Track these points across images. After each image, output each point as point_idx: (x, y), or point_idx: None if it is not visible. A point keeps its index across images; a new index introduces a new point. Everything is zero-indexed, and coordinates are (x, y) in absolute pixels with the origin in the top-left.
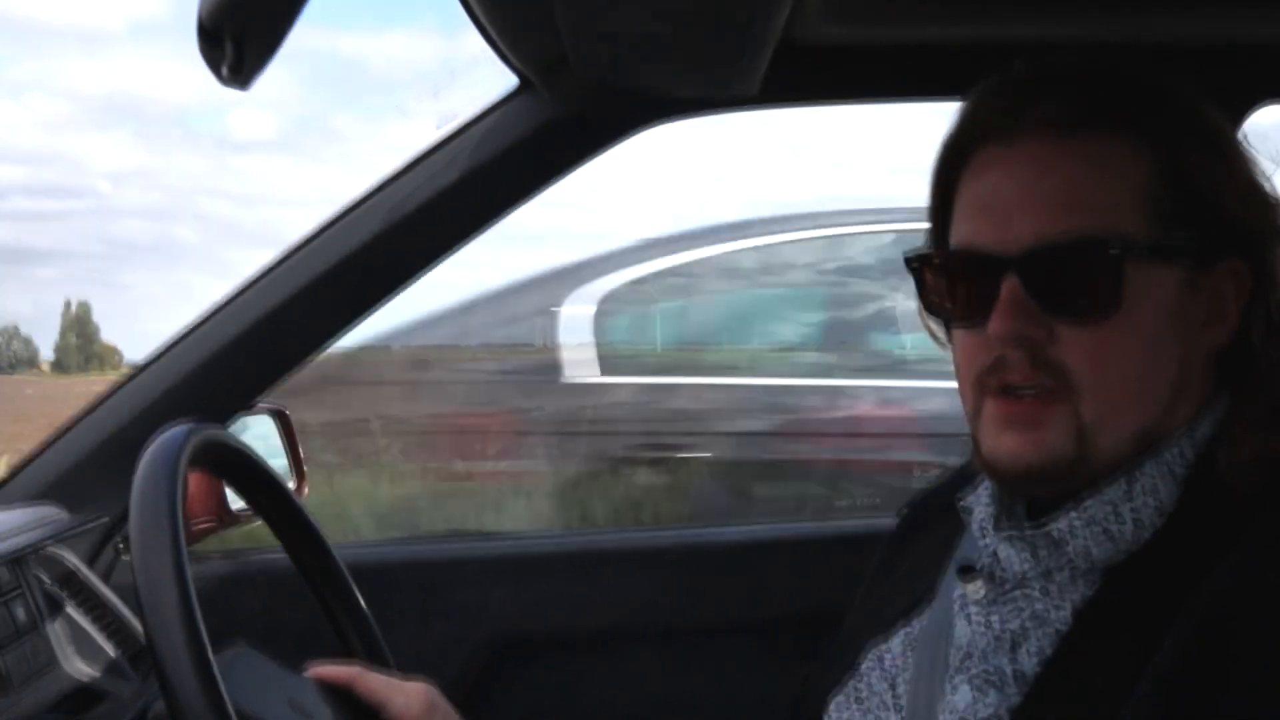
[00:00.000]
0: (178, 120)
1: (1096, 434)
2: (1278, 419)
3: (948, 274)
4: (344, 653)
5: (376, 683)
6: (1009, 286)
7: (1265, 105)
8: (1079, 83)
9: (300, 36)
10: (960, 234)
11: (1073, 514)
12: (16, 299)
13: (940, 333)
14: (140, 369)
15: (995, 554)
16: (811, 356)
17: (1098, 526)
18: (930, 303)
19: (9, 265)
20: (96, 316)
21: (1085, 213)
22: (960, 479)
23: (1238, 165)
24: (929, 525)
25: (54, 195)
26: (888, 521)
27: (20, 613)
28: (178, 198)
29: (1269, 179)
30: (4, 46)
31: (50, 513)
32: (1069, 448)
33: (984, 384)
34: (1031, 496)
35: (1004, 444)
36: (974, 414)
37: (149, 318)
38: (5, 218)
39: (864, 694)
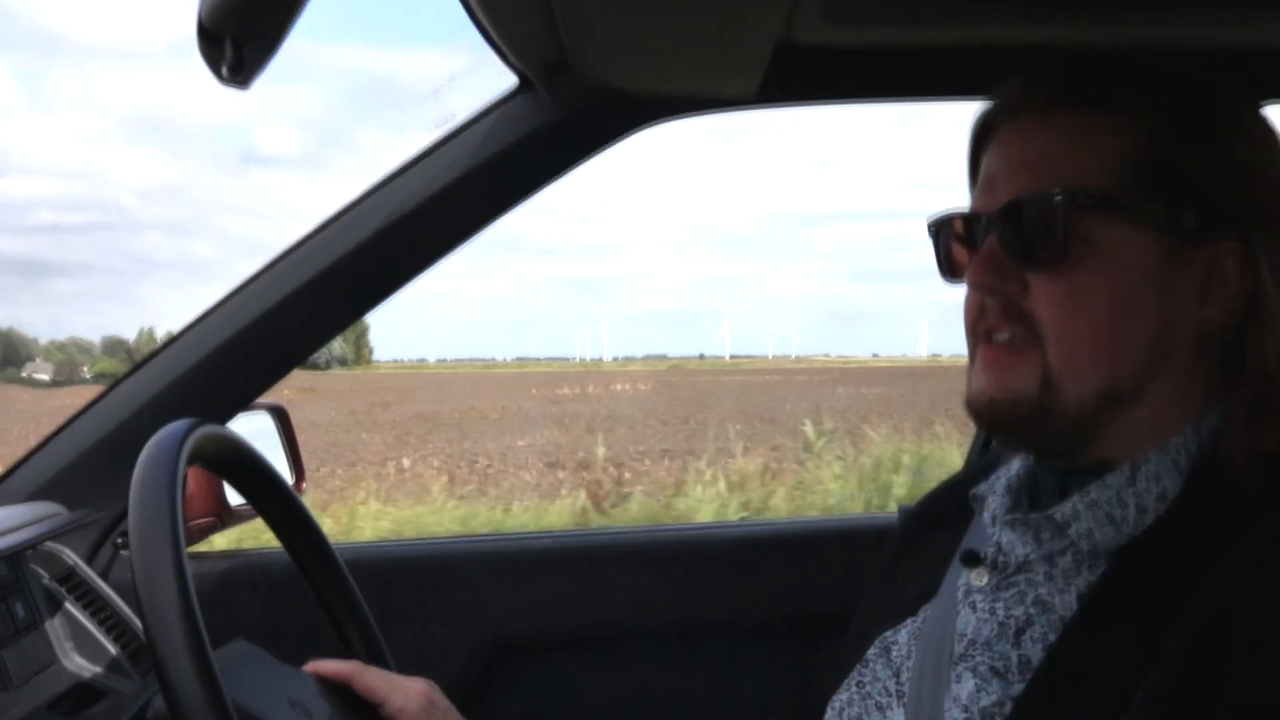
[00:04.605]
0: (206, 135)
1: (1061, 381)
2: (1265, 416)
3: (952, 237)
4: (343, 651)
5: (375, 679)
6: (988, 242)
7: (1266, 106)
8: (1070, 69)
9: (330, 53)
10: (971, 205)
11: (1075, 498)
12: (31, 311)
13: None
14: (140, 366)
15: (999, 542)
16: None
17: (1100, 510)
18: (942, 263)
19: (27, 278)
20: (111, 330)
21: (1053, 175)
22: (970, 478)
23: (1233, 149)
24: (938, 523)
25: (79, 209)
26: (888, 518)
27: (20, 610)
28: (200, 212)
29: None
30: (43, 63)
31: (49, 509)
32: (1033, 391)
33: (975, 332)
34: (1005, 440)
35: (977, 383)
36: (970, 362)
37: (159, 332)
38: (29, 231)
39: (867, 681)
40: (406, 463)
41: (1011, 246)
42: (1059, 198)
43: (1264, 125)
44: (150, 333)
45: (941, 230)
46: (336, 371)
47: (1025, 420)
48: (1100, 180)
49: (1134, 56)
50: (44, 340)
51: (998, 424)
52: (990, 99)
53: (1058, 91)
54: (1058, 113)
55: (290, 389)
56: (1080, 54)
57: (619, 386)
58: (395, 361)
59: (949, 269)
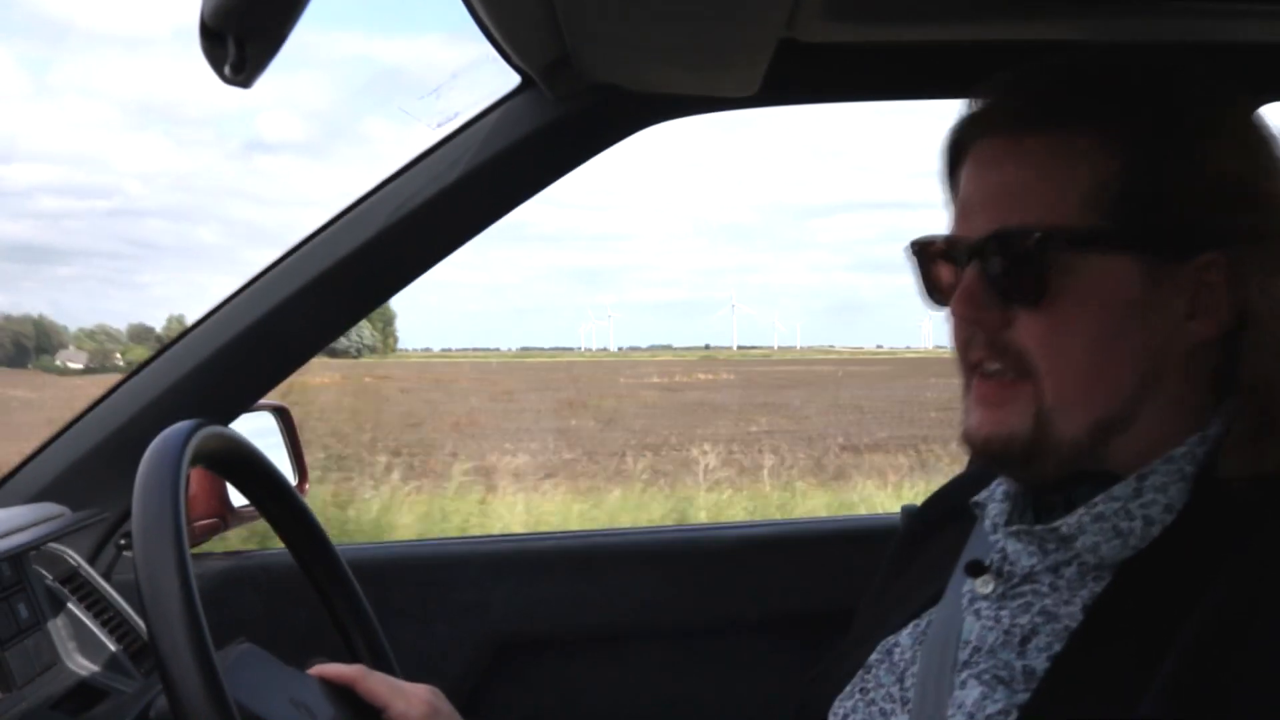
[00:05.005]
0: (210, 122)
1: (1055, 417)
2: (1265, 437)
3: (933, 261)
4: (346, 651)
5: (379, 685)
6: (969, 272)
7: (1266, 104)
8: (1041, 83)
9: (336, 41)
10: (949, 228)
11: (1081, 511)
12: (34, 297)
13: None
14: (142, 366)
15: (1004, 550)
16: None
17: (1107, 523)
18: (924, 288)
19: (29, 264)
20: (115, 318)
21: (1030, 206)
22: (973, 481)
23: (1212, 159)
24: (941, 526)
25: (81, 194)
26: (890, 519)
27: (23, 610)
28: (204, 198)
29: (1266, 174)
30: (48, 50)
31: (52, 510)
32: (1026, 427)
33: (965, 361)
34: (1035, 491)
35: (972, 420)
36: (964, 393)
37: (160, 317)
38: (30, 216)
39: (870, 687)
40: (709, 450)
41: (992, 282)
42: (1037, 237)
43: (1243, 127)
44: (180, 319)
45: (922, 254)
46: (368, 359)
47: (1020, 456)
48: (1079, 215)
49: (1105, 66)
50: (73, 328)
51: (993, 460)
52: (964, 115)
53: (1028, 109)
54: (1029, 133)
55: (371, 376)
56: (1049, 66)
57: (701, 375)
58: (401, 350)
59: (933, 293)
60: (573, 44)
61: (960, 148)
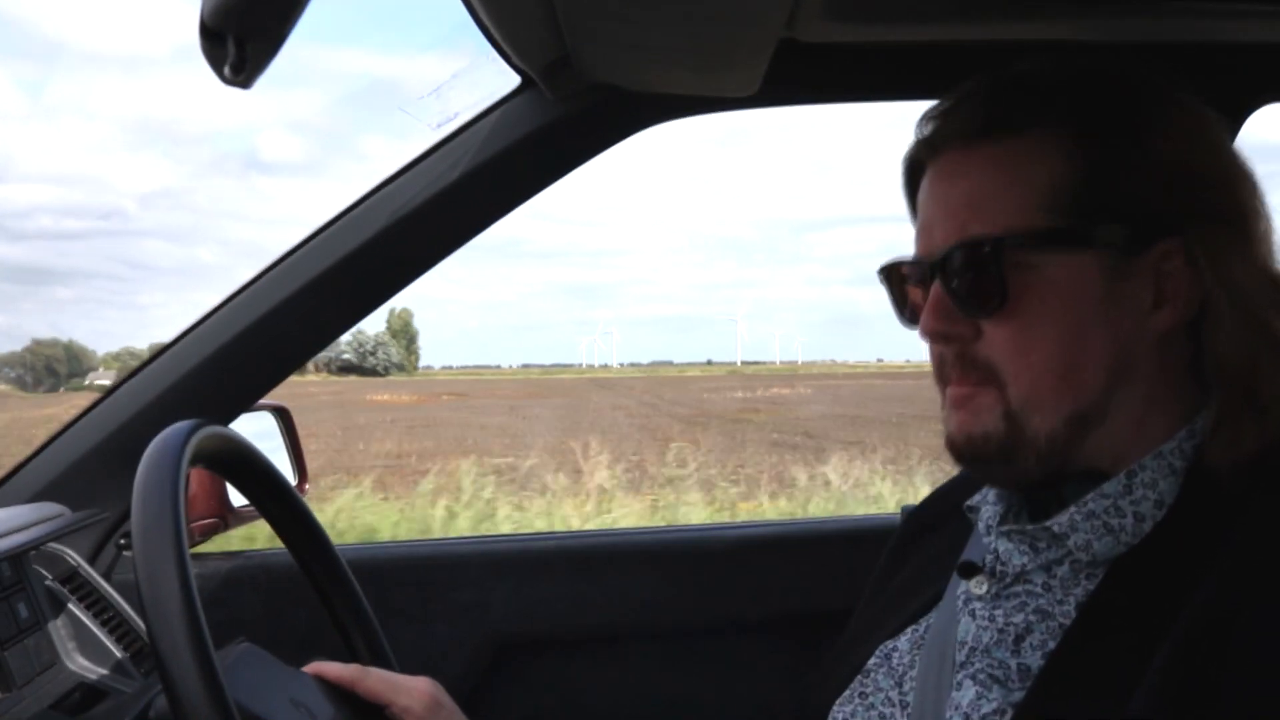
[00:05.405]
0: (208, 141)
1: (1025, 417)
2: (1239, 420)
3: (903, 283)
4: (346, 651)
5: (379, 684)
6: (934, 289)
7: (1266, 104)
8: (986, 94)
9: (334, 59)
10: (915, 250)
11: (1073, 509)
12: (34, 319)
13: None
14: (142, 367)
15: (996, 550)
16: None
17: (1098, 520)
18: (898, 310)
19: (29, 285)
20: (116, 340)
21: (986, 215)
22: (968, 483)
23: (1158, 148)
24: (937, 528)
25: (80, 216)
26: (890, 519)
27: (23, 610)
28: (202, 218)
29: (1213, 159)
30: (45, 71)
31: (52, 510)
32: (1000, 427)
33: (941, 378)
34: (1026, 492)
35: (951, 424)
36: (942, 403)
37: (162, 337)
38: (29, 238)
39: (869, 691)
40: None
41: (955, 296)
42: (988, 249)
43: (1185, 116)
44: None
45: (891, 277)
46: (397, 377)
47: (997, 455)
48: (1034, 217)
49: (1049, 68)
50: (101, 352)
51: (975, 461)
52: (917, 136)
53: (976, 121)
54: (979, 144)
55: (447, 394)
56: (993, 77)
57: (777, 389)
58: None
59: (905, 314)
60: (573, 44)
61: (918, 171)
